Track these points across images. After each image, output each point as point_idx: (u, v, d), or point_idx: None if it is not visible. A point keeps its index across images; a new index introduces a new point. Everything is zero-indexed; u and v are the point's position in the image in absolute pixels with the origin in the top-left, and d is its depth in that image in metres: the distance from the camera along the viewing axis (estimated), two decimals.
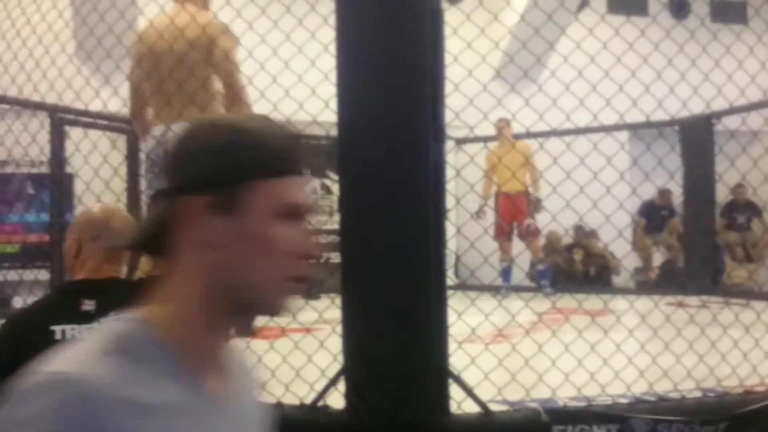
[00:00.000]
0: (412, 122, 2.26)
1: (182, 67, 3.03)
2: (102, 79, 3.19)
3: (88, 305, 1.98)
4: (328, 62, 2.34)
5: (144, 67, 3.17)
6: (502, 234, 6.88)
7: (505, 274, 6.97)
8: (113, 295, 2.02)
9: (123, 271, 2.21)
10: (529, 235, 6.90)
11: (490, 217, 6.90)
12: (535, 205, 6.73)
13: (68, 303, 2.00)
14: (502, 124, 6.49)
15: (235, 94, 3.14)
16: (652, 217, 8.10)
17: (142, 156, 3.43)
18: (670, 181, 5.29)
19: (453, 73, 2.38)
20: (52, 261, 5.89)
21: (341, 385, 2.31)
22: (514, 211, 6.87)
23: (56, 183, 5.89)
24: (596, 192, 2.63)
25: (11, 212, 7.17)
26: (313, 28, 2.58)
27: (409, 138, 2.26)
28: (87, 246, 2.09)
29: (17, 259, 6.50)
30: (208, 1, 3.31)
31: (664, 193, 8.00)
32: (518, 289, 6.90)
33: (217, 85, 3.16)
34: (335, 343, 2.36)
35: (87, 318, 1.96)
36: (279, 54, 2.59)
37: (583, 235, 7.80)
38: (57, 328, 1.94)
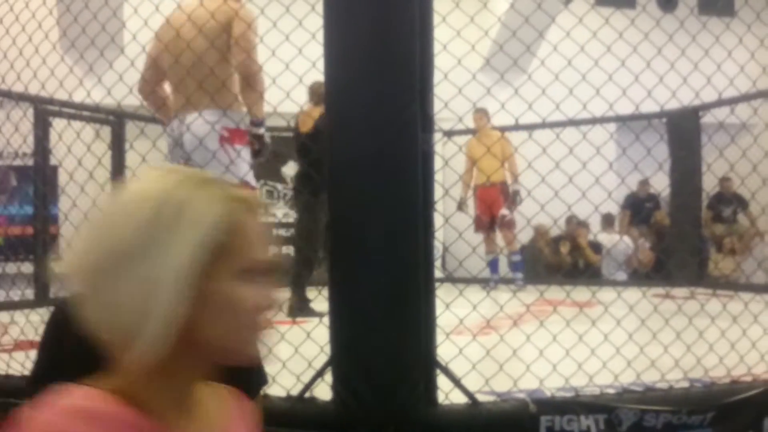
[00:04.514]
0: (401, 112, 2.23)
1: (210, 53, 2.99)
2: (86, 69, 3.13)
3: None
4: (317, 51, 2.32)
5: (170, 49, 3.11)
6: (481, 226, 6.86)
7: (493, 265, 6.96)
8: None
9: None
10: (504, 226, 6.86)
11: (473, 209, 6.87)
12: (513, 197, 6.67)
13: None
14: (480, 115, 6.50)
15: (246, 80, 3.06)
16: (637, 209, 8.13)
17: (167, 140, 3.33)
18: (658, 172, 5.31)
19: (441, 61, 2.36)
20: (35, 254, 5.83)
21: (328, 377, 2.30)
22: (489, 203, 6.83)
23: (40, 175, 5.82)
24: (585, 182, 2.62)
25: None
26: (300, 15, 2.55)
27: (397, 128, 2.24)
28: None
29: (0, 252, 6.42)
30: None
31: (643, 183, 8.05)
32: (506, 281, 6.90)
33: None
34: (322, 335, 2.35)
35: None
36: (265, 42, 2.55)
37: (571, 227, 7.81)
38: None
